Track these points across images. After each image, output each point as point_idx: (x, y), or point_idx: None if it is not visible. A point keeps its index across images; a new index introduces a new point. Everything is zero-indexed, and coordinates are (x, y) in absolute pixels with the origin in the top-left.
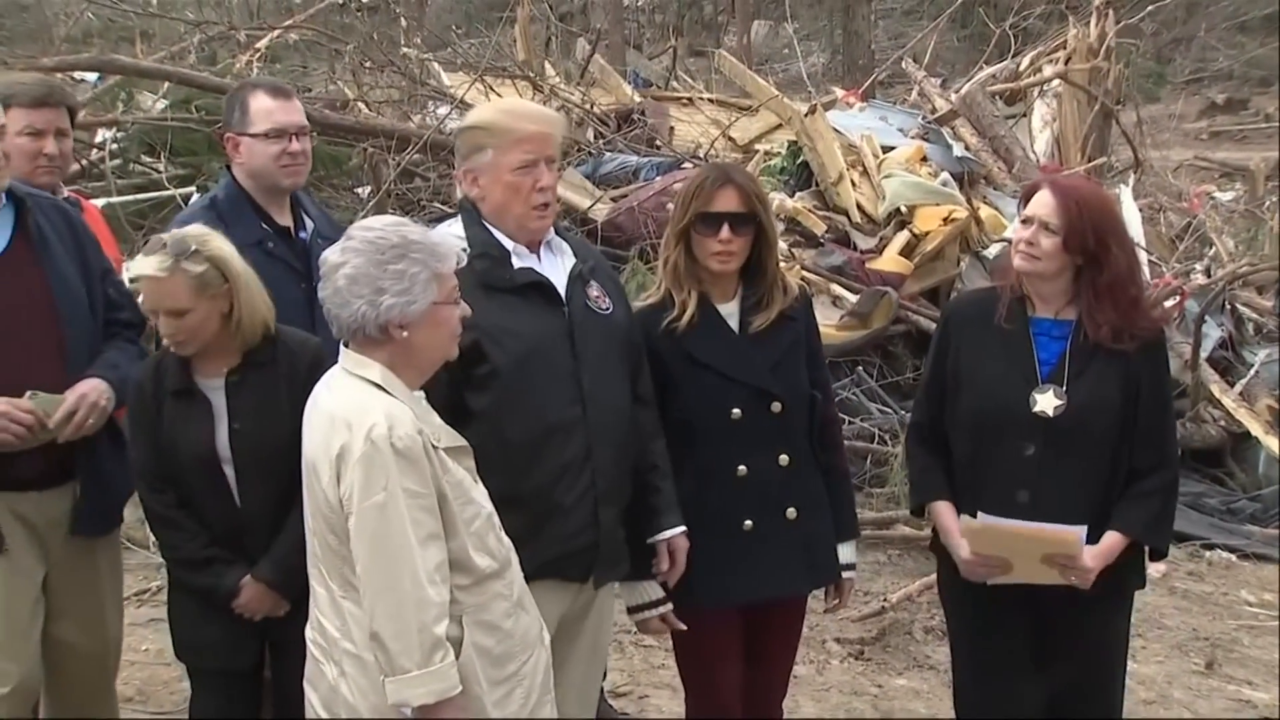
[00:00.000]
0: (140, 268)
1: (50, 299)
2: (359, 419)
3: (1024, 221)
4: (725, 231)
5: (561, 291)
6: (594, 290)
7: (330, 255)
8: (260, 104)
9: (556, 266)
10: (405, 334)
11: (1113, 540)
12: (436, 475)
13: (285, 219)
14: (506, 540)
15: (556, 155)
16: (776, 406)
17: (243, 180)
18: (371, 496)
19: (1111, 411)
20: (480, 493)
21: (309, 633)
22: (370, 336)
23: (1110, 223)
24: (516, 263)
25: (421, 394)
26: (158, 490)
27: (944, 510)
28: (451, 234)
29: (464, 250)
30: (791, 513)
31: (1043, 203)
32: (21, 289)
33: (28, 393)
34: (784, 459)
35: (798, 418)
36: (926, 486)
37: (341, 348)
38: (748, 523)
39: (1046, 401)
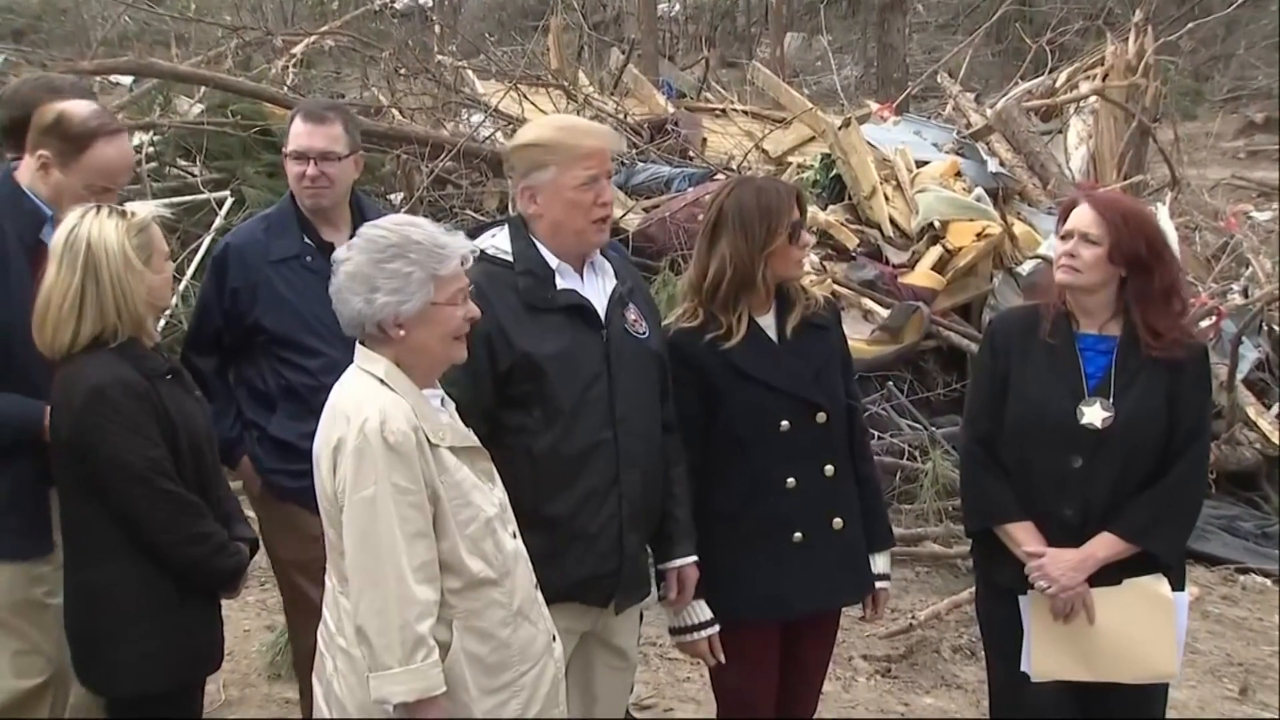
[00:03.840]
0: None
1: None
2: (355, 412)
3: (1063, 237)
4: (806, 235)
5: (601, 314)
6: (632, 314)
7: (340, 251)
8: (295, 126)
9: (597, 287)
10: (402, 333)
11: (1097, 543)
12: (430, 473)
13: (335, 234)
14: (510, 546)
15: (612, 170)
16: (821, 417)
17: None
18: (361, 490)
19: (1159, 423)
20: (485, 496)
21: (320, 627)
22: (371, 334)
23: (1154, 232)
24: (560, 283)
25: (439, 393)
26: (175, 480)
27: (1022, 532)
28: (494, 245)
29: (470, 253)
30: (838, 523)
31: (1081, 216)
32: None
33: None
34: (829, 469)
35: (839, 428)
36: (995, 508)
37: (357, 344)
38: (797, 535)
39: (1094, 414)
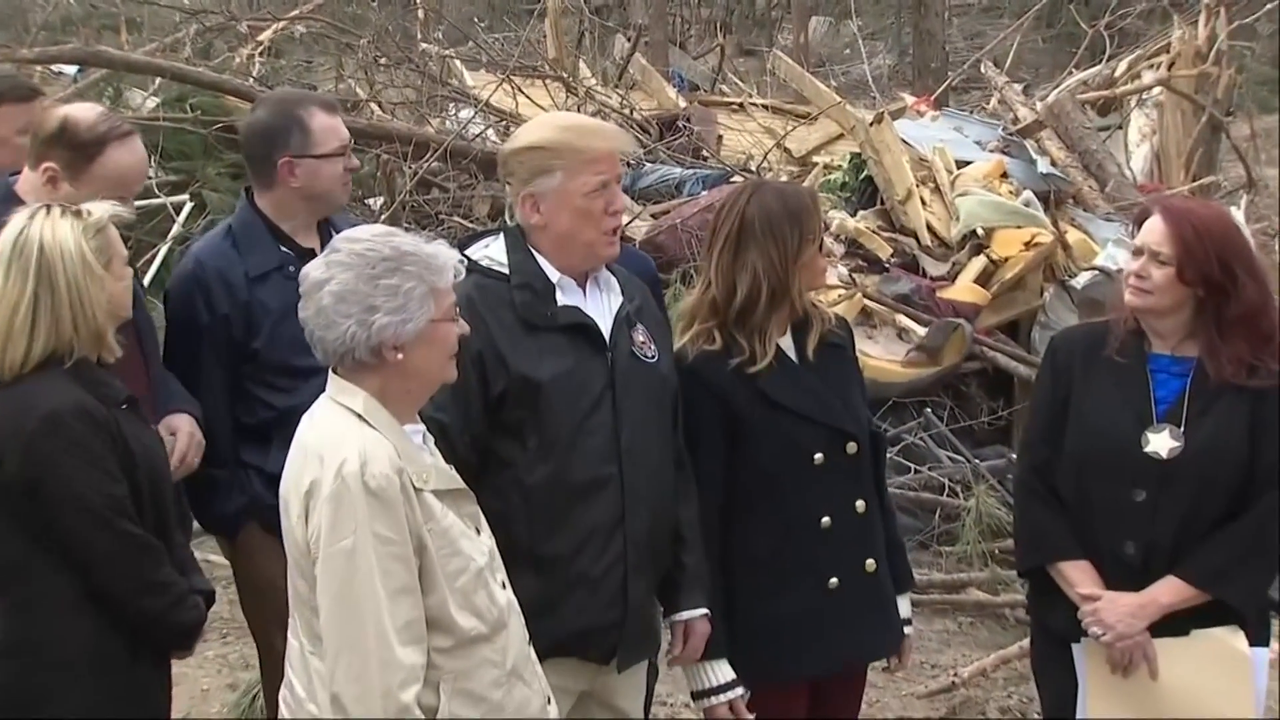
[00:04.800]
0: None
1: (135, 332)
2: (331, 452)
3: (1134, 252)
4: (832, 244)
5: (606, 334)
6: (640, 335)
7: (312, 271)
8: (321, 122)
9: (602, 305)
10: (400, 356)
11: (1162, 588)
12: (415, 521)
13: (310, 239)
14: (502, 599)
15: (621, 174)
16: (852, 447)
17: (277, 205)
18: (339, 540)
19: (1236, 457)
20: (474, 543)
21: (282, 690)
22: (360, 361)
23: (1236, 247)
24: (561, 299)
25: (420, 428)
26: (135, 521)
27: (1078, 572)
28: (487, 256)
29: (460, 263)
30: (871, 564)
31: (1153, 230)
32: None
33: None
34: (860, 505)
35: (867, 458)
36: (1049, 543)
37: (330, 374)
38: (833, 580)
39: (1161, 442)
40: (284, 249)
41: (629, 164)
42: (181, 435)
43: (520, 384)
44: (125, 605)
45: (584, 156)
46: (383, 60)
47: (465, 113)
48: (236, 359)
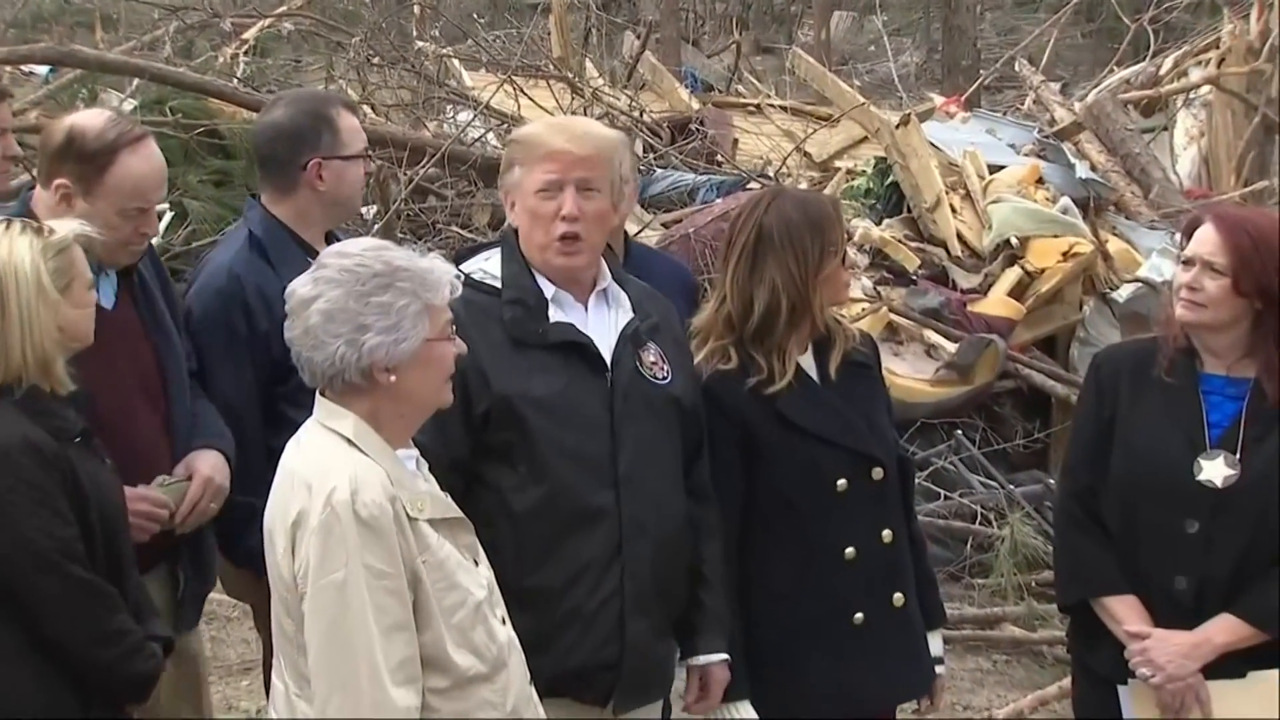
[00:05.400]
0: None
1: (157, 367)
2: (320, 480)
3: (1185, 263)
4: (852, 254)
5: (607, 353)
6: (650, 354)
7: (298, 288)
8: (349, 122)
9: (606, 322)
10: (393, 378)
11: (1216, 626)
12: (410, 552)
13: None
14: (502, 635)
15: (597, 182)
16: (878, 473)
17: (298, 211)
18: (328, 574)
19: None
20: (472, 576)
21: None
22: (350, 383)
23: None
24: (554, 314)
25: (413, 454)
26: (86, 565)
27: (1125, 608)
28: (483, 269)
29: (456, 278)
30: (898, 598)
31: (1205, 239)
32: (128, 356)
33: (156, 480)
34: (887, 534)
35: (893, 484)
36: (1092, 577)
37: (317, 396)
38: (858, 616)
39: (1215, 470)
40: (309, 260)
41: (639, 169)
42: (196, 480)
43: (502, 404)
44: (75, 655)
45: (536, 153)
46: (376, 60)
47: (464, 115)
48: (272, 379)
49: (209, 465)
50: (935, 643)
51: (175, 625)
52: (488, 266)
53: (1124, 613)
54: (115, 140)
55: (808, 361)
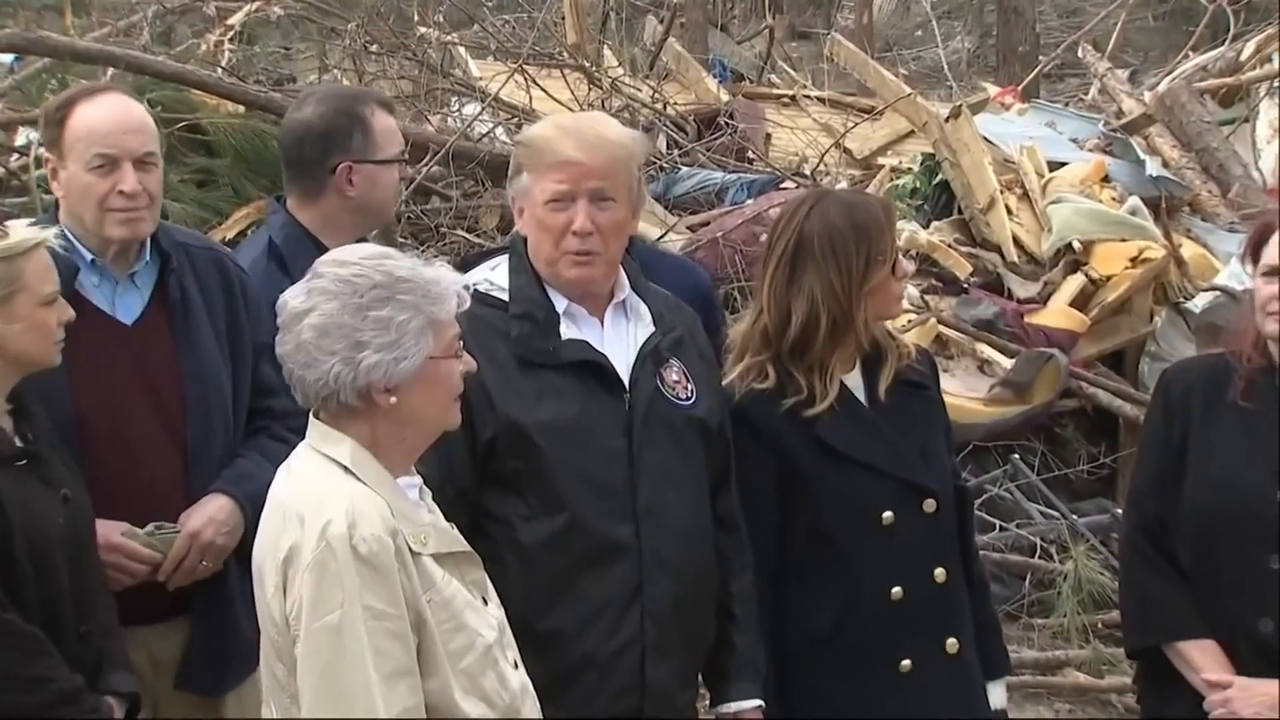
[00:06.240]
0: None
1: (178, 385)
2: (314, 512)
3: (1266, 273)
4: (905, 263)
5: (625, 372)
6: (673, 373)
7: (290, 299)
8: (384, 123)
9: (624, 338)
10: (393, 399)
11: None
12: (413, 591)
13: None
14: (515, 681)
15: (613, 190)
16: (930, 505)
17: (324, 218)
18: (323, 615)
19: None
20: (481, 616)
21: None
22: (347, 404)
23: None
24: (566, 331)
25: (415, 482)
26: (4, 605)
27: (1202, 654)
28: (489, 280)
29: (464, 289)
30: (952, 645)
31: None
32: (144, 378)
33: (150, 525)
34: (940, 573)
35: (949, 518)
36: (1165, 619)
37: (310, 419)
38: (905, 663)
39: None
40: None
41: (662, 168)
42: (182, 536)
43: (510, 430)
44: None
45: (545, 161)
46: (374, 47)
47: (470, 108)
48: None
49: (203, 518)
50: (996, 694)
51: (183, 684)
52: (494, 276)
53: (1201, 659)
54: (73, 94)
55: (855, 380)
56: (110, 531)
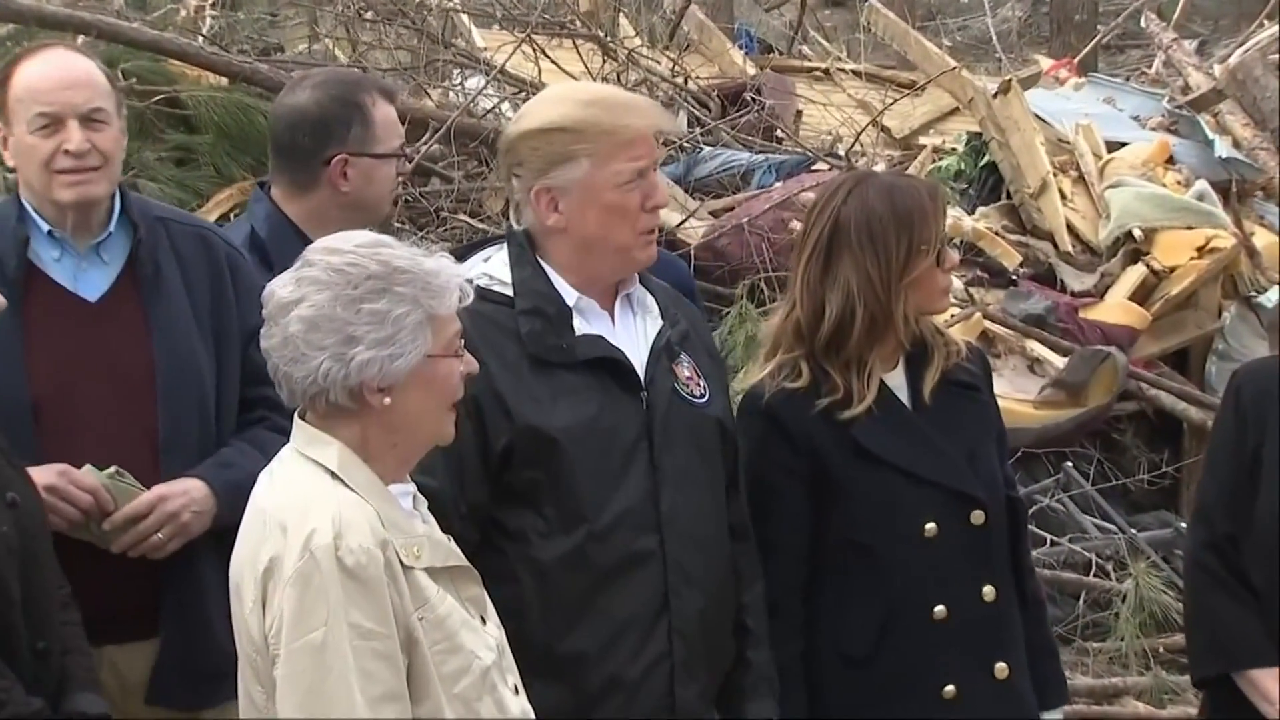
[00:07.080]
0: None
1: (148, 367)
2: (297, 521)
3: None
4: (952, 254)
5: (640, 369)
6: (685, 369)
7: (278, 289)
8: (385, 113)
9: (635, 332)
10: (387, 400)
11: None
12: (403, 608)
13: None
14: (514, 708)
15: (658, 158)
16: (978, 516)
17: (313, 212)
18: (305, 633)
19: None
20: (478, 636)
21: None
22: (336, 404)
23: None
24: (580, 326)
25: (409, 489)
26: None
27: (1276, 682)
28: (486, 273)
29: (467, 282)
30: (1001, 669)
31: None
32: (108, 358)
33: (113, 468)
34: (988, 591)
35: (999, 531)
36: (1236, 644)
37: (296, 420)
38: (949, 688)
39: None
40: None
41: (682, 147)
42: (146, 495)
43: (529, 437)
44: None
45: (616, 139)
46: (369, 14)
47: (474, 82)
48: None
49: (177, 488)
50: None
51: (155, 699)
52: (491, 270)
53: (1275, 688)
54: (18, 56)
55: (897, 380)
56: (46, 473)
